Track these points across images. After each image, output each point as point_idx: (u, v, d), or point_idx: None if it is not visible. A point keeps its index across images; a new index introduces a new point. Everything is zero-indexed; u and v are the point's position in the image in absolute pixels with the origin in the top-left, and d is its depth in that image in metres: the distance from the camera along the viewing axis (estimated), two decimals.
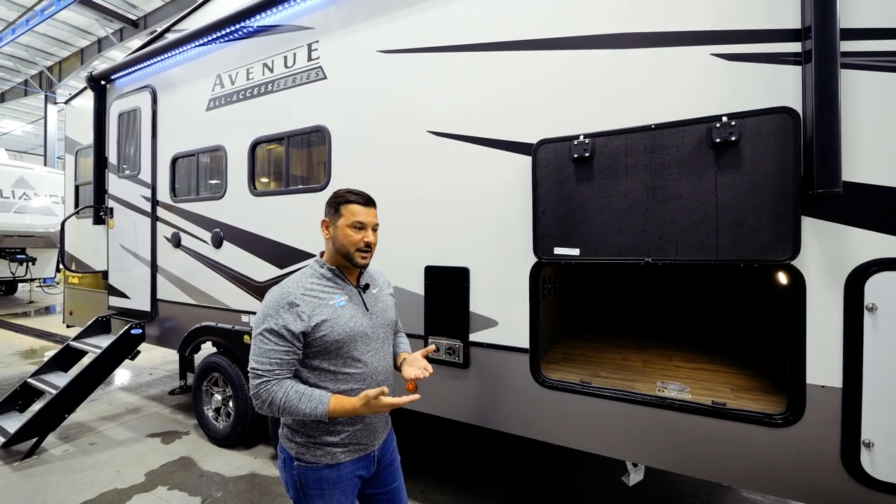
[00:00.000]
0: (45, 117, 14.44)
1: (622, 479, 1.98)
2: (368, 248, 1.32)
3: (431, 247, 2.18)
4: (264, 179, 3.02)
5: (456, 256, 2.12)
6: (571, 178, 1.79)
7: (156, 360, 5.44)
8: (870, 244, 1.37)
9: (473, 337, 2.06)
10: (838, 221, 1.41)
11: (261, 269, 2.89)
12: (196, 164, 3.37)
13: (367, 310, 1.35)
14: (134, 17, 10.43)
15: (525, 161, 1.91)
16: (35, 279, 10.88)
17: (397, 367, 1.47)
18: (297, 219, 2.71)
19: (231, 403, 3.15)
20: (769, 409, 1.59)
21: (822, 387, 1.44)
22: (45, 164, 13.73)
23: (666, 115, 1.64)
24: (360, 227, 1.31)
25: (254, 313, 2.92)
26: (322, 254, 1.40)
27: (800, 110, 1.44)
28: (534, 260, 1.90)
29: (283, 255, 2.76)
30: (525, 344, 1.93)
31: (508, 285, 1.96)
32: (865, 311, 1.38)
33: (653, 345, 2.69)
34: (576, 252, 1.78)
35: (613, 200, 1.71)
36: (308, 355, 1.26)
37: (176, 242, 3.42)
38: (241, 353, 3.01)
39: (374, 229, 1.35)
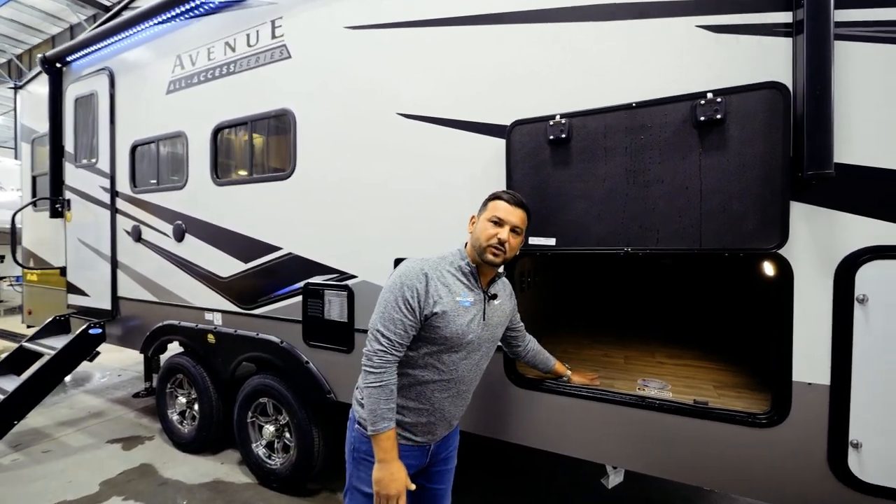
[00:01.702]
0: (15, 108, 13.84)
1: (601, 481, 1.88)
2: (502, 246, 1.28)
3: (403, 237, 2.04)
4: (228, 167, 2.83)
5: (428, 247, 1.97)
6: (547, 162, 1.67)
7: (126, 360, 5.21)
8: (863, 231, 1.27)
9: None
10: (829, 206, 1.31)
11: (225, 264, 2.71)
12: (156, 151, 3.16)
13: (484, 320, 1.33)
14: (107, 3, 9.98)
15: (500, 144, 1.78)
16: (5, 277, 10.41)
17: (556, 374, 1.71)
18: (262, 209, 2.54)
19: (196, 406, 2.98)
20: (753, 408, 1.49)
21: (809, 384, 1.34)
22: (17, 158, 13.15)
23: (648, 92, 1.52)
24: (498, 222, 1.30)
25: (218, 311, 2.75)
26: (466, 245, 1.38)
27: (790, 86, 1.33)
28: None
29: (249, 249, 2.59)
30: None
31: None
32: (856, 303, 1.28)
33: (636, 340, 2.60)
34: (552, 242, 1.66)
35: (592, 186, 1.59)
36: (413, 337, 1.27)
37: (136, 236, 3.22)
38: (206, 353, 2.84)
39: (515, 231, 1.32)
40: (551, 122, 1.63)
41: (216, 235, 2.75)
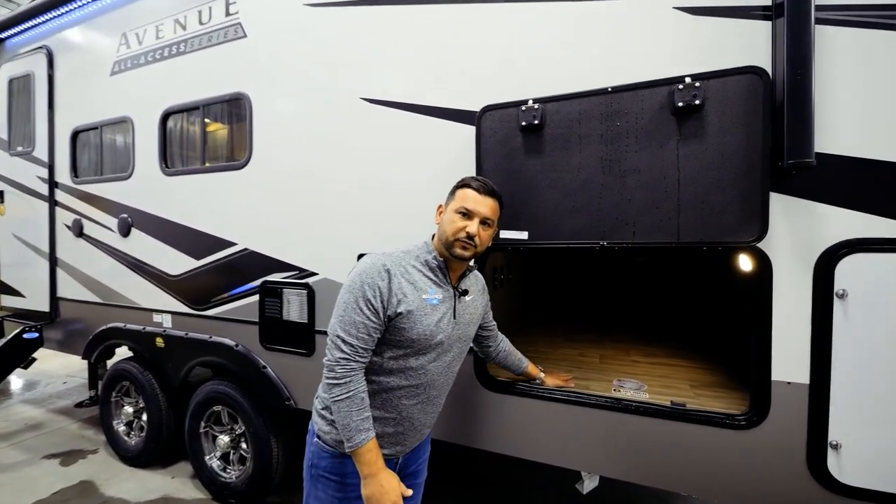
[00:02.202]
0: None
1: (576, 486, 1.79)
2: (471, 239, 1.17)
3: (366, 231, 1.90)
4: (178, 156, 2.60)
5: (395, 242, 1.83)
6: (519, 150, 1.56)
7: (73, 366, 4.82)
8: (843, 223, 1.22)
9: None
10: (809, 198, 1.25)
11: (175, 261, 2.49)
12: (100, 138, 2.89)
13: (455, 318, 1.22)
14: None
15: (470, 132, 1.66)
16: None
17: (529, 376, 1.60)
18: (215, 201, 2.34)
19: (144, 416, 2.73)
20: (732, 408, 1.43)
21: (789, 383, 1.28)
22: None
23: (624, 77, 1.43)
24: (467, 214, 1.18)
25: (168, 312, 2.53)
26: (433, 237, 1.26)
27: (770, 71, 1.26)
28: None
29: (201, 245, 2.38)
30: None
31: None
32: (835, 298, 1.23)
33: (611, 338, 2.54)
34: (524, 236, 1.56)
35: (566, 176, 1.49)
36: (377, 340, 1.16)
37: (78, 231, 2.94)
38: (154, 358, 2.61)
39: (486, 223, 1.20)
40: (523, 108, 1.53)
41: (165, 230, 2.52)
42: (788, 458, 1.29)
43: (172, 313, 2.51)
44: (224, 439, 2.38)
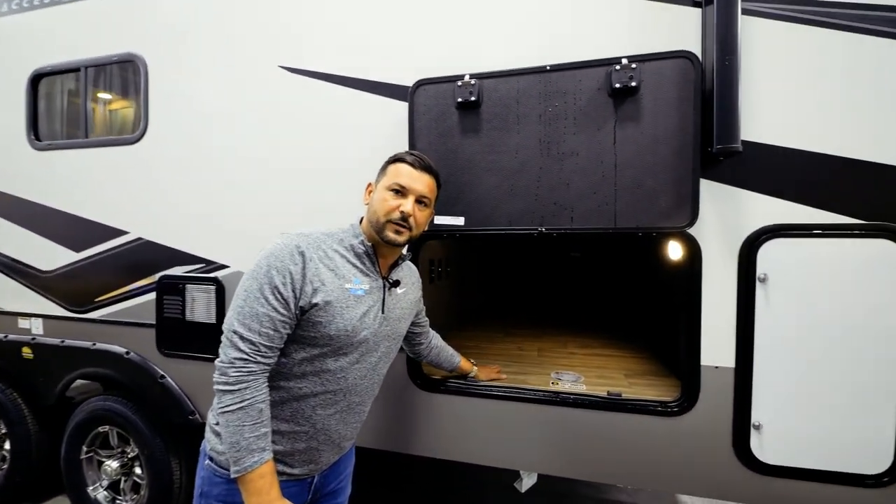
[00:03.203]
0: None
1: (514, 485, 1.72)
2: (405, 221, 1.02)
3: (287, 218, 1.67)
4: (53, 127, 2.16)
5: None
6: (455, 129, 1.45)
7: None
8: (765, 210, 1.25)
9: None
10: (736, 185, 1.27)
11: (48, 254, 2.06)
12: None
13: (383, 313, 1.06)
14: None
15: (402, 109, 1.51)
16: None
17: (462, 371, 1.50)
18: (101, 182, 1.96)
19: (7, 444, 2.24)
20: (665, 395, 1.43)
21: (717, 368, 1.30)
22: None
23: (561, 57, 1.37)
24: (400, 191, 1.03)
25: (38, 316, 2.09)
26: (361, 220, 1.10)
27: (701, 58, 1.27)
28: None
29: (82, 234, 1.99)
30: None
31: None
32: (758, 283, 1.26)
33: (550, 331, 2.53)
34: (461, 221, 1.45)
35: (504, 158, 1.40)
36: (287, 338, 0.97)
37: None
38: (20, 372, 2.14)
39: (422, 202, 1.06)
40: (459, 83, 1.42)
41: (35, 216, 2.08)
42: (716, 442, 1.31)
43: (44, 317, 2.08)
44: (112, 465, 2.00)
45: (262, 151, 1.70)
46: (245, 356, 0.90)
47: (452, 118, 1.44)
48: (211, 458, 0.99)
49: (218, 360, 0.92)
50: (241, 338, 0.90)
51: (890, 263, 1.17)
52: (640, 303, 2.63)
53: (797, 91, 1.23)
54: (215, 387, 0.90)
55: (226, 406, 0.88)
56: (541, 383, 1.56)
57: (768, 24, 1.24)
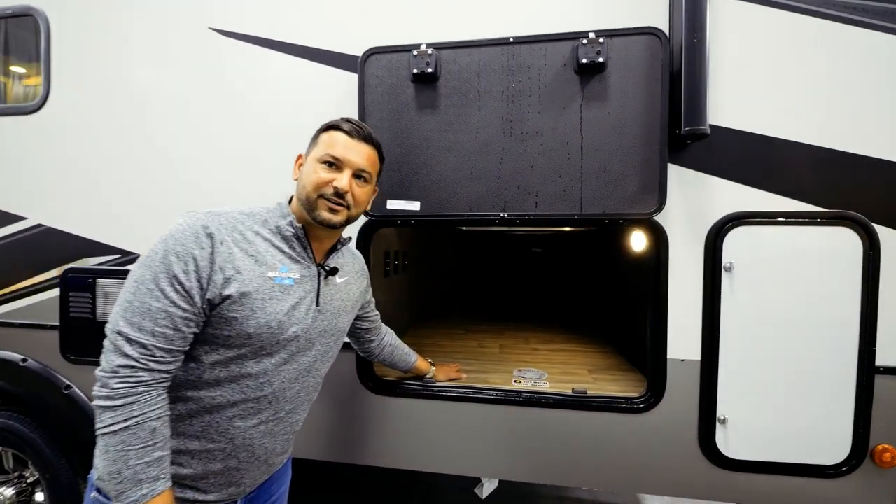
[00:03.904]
0: None
1: (475, 491, 1.61)
2: (340, 198, 0.88)
3: (213, 199, 1.46)
4: None
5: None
6: (410, 104, 1.31)
7: None
8: (731, 197, 1.21)
9: None
10: (703, 170, 1.22)
11: None
12: None
13: (318, 305, 0.91)
14: None
15: (351, 80, 1.36)
16: None
17: (419, 371, 1.37)
18: None
19: None
20: (630, 391, 1.37)
21: (682, 361, 1.25)
22: None
23: (525, 29, 1.27)
24: (335, 163, 0.89)
25: None
26: (291, 199, 0.95)
27: (669, 36, 1.21)
28: (363, 218, 1.36)
29: None
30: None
31: None
32: (723, 272, 1.22)
33: (512, 327, 2.45)
34: (416, 206, 1.31)
35: (464, 137, 1.28)
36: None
37: None
38: None
39: (361, 176, 0.92)
40: (415, 53, 1.28)
41: None
42: (682, 438, 1.26)
43: None
44: (6, 493, 1.69)
45: (188, 124, 1.48)
46: (133, 363, 0.72)
47: (407, 92, 1.30)
48: (98, 490, 0.79)
49: (98, 369, 0.73)
50: (129, 340, 0.72)
51: (850, 252, 1.16)
52: (603, 297, 2.61)
53: (763, 76, 1.19)
54: (94, 402, 0.72)
55: (106, 426, 0.70)
56: (503, 382, 1.46)
57: (739, 5, 1.20)
